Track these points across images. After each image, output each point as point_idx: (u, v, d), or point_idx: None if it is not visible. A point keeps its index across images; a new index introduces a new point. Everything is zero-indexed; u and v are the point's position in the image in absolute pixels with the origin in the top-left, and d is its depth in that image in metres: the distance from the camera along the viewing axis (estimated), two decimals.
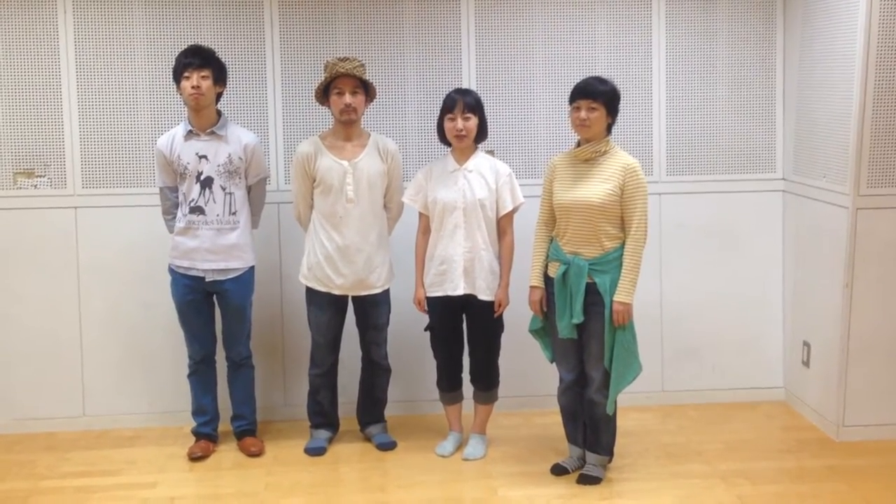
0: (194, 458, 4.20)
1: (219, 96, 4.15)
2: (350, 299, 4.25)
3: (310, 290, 4.23)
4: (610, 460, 4.04)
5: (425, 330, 4.22)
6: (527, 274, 4.01)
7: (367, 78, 4.09)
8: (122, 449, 4.37)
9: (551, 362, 4.06)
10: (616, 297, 3.76)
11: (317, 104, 4.21)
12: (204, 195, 4.10)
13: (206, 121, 4.11)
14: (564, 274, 3.83)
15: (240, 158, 4.14)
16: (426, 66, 4.60)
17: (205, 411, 4.31)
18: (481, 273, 4.06)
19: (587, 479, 3.95)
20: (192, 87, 4.00)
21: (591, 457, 3.99)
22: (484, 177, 4.07)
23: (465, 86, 4.53)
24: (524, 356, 4.55)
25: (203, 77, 4.01)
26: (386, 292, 4.27)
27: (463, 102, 4.02)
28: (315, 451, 4.27)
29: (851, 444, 4.31)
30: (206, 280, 4.15)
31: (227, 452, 4.31)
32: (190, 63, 4.01)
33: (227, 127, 4.15)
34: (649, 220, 4.59)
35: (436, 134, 4.18)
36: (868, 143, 4.14)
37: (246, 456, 4.25)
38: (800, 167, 4.66)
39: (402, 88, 4.60)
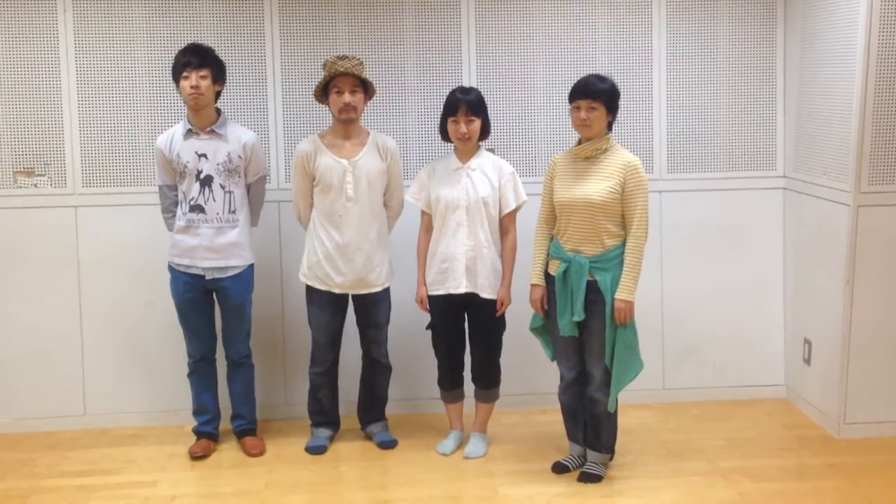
0: (195, 457, 4.20)
1: (218, 94, 4.15)
2: (350, 298, 4.25)
3: (310, 289, 4.23)
4: (611, 458, 4.03)
5: (427, 328, 4.22)
6: (528, 272, 4.01)
7: (366, 76, 4.08)
8: (123, 448, 4.37)
9: (552, 360, 4.06)
10: (617, 295, 3.76)
11: (316, 103, 4.21)
12: (204, 194, 4.10)
13: (205, 119, 4.11)
14: (565, 272, 3.83)
15: (239, 157, 4.14)
16: (426, 64, 4.60)
17: (205, 410, 4.31)
18: (483, 271, 4.06)
19: (588, 478, 3.94)
20: (192, 88, 3.99)
21: (591, 455, 3.99)
22: (487, 175, 4.07)
23: (465, 84, 4.53)
24: (525, 354, 4.55)
25: (202, 77, 4.00)
26: (386, 290, 4.27)
27: (466, 106, 4.01)
28: (316, 450, 4.27)
29: (852, 442, 4.30)
30: (206, 278, 4.15)
31: (228, 451, 4.31)
32: (188, 62, 4.00)
33: (226, 125, 4.15)
34: (650, 218, 4.64)
35: (436, 132, 4.17)
36: (869, 140, 4.14)
37: (246, 455, 4.25)
38: (801, 165, 4.65)
39: (402, 87, 4.60)
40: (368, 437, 4.39)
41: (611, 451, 4.01)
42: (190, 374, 4.30)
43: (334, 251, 4.13)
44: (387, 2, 4.56)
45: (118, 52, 4.47)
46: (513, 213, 4.11)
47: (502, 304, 4.11)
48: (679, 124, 4.74)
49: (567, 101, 3.87)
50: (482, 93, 4.16)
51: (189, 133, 4.11)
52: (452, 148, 4.14)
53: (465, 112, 4.01)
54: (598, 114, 3.78)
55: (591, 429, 3.98)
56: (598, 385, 3.87)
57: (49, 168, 4.50)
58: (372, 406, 4.40)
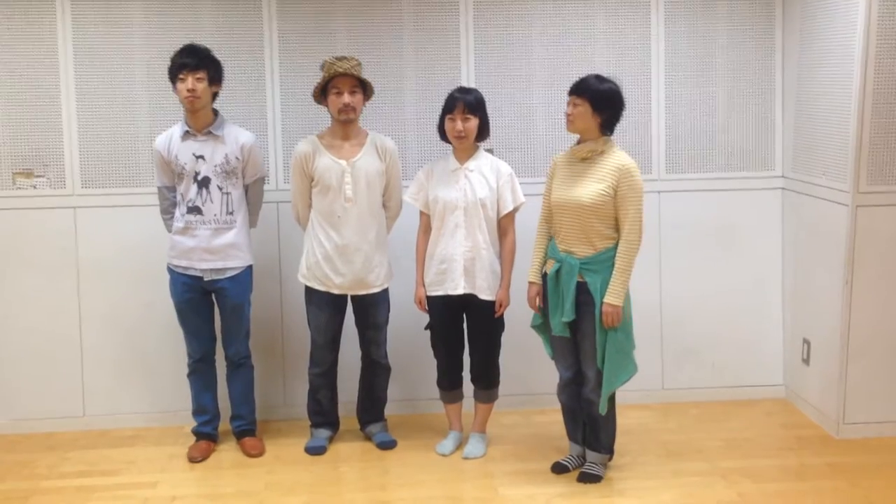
0: (194, 461, 4.20)
1: (215, 95, 4.15)
2: (349, 298, 4.25)
3: (309, 290, 4.23)
4: (610, 458, 4.04)
5: (425, 329, 4.22)
6: (527, 272, 4.01)
7: (365, 77, 4.08)
8: (123, 449, 4.37)
9: (552, 359, 4.06)
10: (605, 299, 3.74)
11: (315, 104, 4.21)
12: (201, 195, 4.10)
13: (202, 121, 4.10)
14: (557, 272, 3.83)
15: (237, 158, 4.13)
16: (425, 65, 4.60)
17: (205, 411, 4.31)
18: (482, 272, 4.06)
19: (587, 478, 3.95)
20: (188, 91, 3.99)
21: (591, 455, 3.99)
22: (485, 176, 4.07)
23: (464, 85, 4.53)
24: (524, 355, 4.55)
25: (198, 79, 4.00)
26: (385, 291, 4.27)
27: (463, 103, 4.01)
28: (315, 451, 4.27)
29: (851, 442, 4.31)
30: (204, 279, 4.15)
31: (228, 452, 4.31)
32: (184, 64, 4.00)
33: (224, 127, 4.15)
34: (648, 218, 4.63)
35: (435, 133, 4.18)
36: (867, 140, 4.14)
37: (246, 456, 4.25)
38: (799, 165, 4.66)
39: (400, 88, 4.60)
40: (368, 438, 4.39)
41: (610, 451, 4.01)
42: (189, 375, 4.30)
43: (333, 252, 4.13)
44: (385, 3, 4.56)
45: (117, 53, 4.47)
46: (511, 215, 4.11)
47: (501, 306, 4.11)
48: (677, 124, 4.74)
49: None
50: (482, 94, 4.15)
51: (187, 134, 4.11)
52: (451, 149, 4.14)
53: (461, 110, 4.01)
54: (582, 111, 3.76)
55: (589, 429, 3.98)
56: (593, 386, 3.87)
57: (48, 169, 4.50)
58: (371, 406, 4.40)
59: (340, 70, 4.00)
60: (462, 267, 4.06)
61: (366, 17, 4.56)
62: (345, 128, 4.13)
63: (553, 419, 4.37)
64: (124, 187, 4.52)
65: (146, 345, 4.58)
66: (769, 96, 4.77)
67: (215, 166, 4.10)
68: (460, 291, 4.07)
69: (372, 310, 4.25)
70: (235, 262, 4.17)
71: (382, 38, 4.57)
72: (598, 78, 3.82)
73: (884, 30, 4.04)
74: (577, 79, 3.83)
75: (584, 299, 3.80)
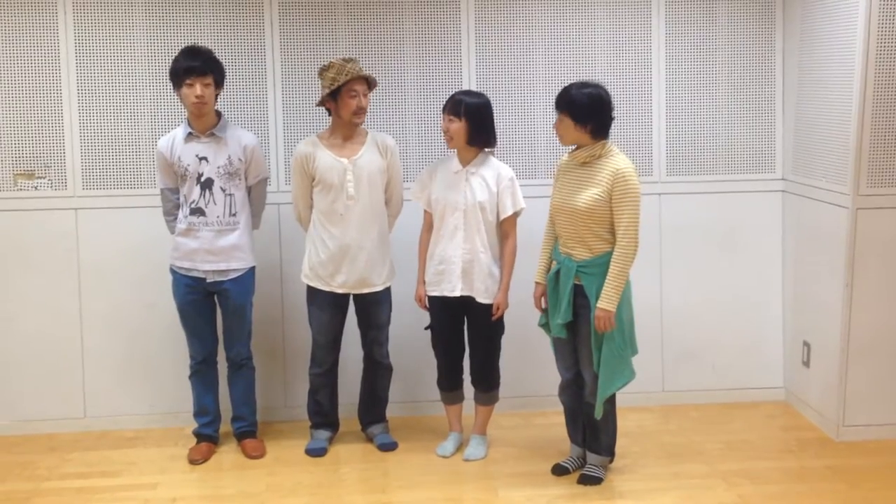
0: (195, 463, 4.20)
1: (216, 96, 4.15)
2: (351, 298, 4.25)
3: (310, 289, 4.24)
4: (611, 461, 4.04)
5: (426, 329, 4.22)
6: (530, 275, 4.02)
7: (373, 76, 4.11)
8: (123, 450, 4.38)
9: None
10: (598, 304, 3.73)
11: (316, 105, 4.21)
12: (204, 197, 4.11)
13: (206, 123, 4.11)
14: (557, 273, 3.84)
15: (239, 160, 4.14)
16: (426, 67, 4.61)
17: (206, 412, 4.31)
18: (480, 276, 4.06)
19: (588, 480, 3.95)
20: (196, 97, 3.98)
21: (591, 457, 3.99)
22: (485, 180, 4.07)
23: (464, 86, 4.54)
24: (525, 357, 4.55)
25: (206, 85, 4.00)
26: (387, 290, 4.27)
27: (451, 104, 4.02)
28: (316, 452, 4.27)
29: (851, 444, 4.31)
30: (207, 281, 4.15)
31: (228, 453, 4.31)
32: (192, 69, 3.97)
33: (226, 128, 4.15)
34: (649, 220, 4.65)
35: (436, 134, 4.21)
36: (868, 142, 4.15)
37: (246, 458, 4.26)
38: (799, 167, 4.66)
39: (402, 89, 4.61)
40: (369, 439, 4.40)
41: (610, 453, 4.01)
42: (191, 376, 4.31)
43: (336, 251, 4.14)
44: (386, 3, 4.57)
45: (118, 53, 4.47)
46: (513, 218, 4.10)
47: (498, 309, 4.10)
48: (678, 127, 4.75)
49: None
50: (483, 100, 4.07)
51: (190, 136, 4.11)
52: (455, 150, 4.15)
53: (448, 111, 4.02)
54: (565, 124, 3.77)
55: (590, 431, 3.98)
56: (591, 389, 3.87)
57: (49, 170, 4.51)
58: (373, 407, 4.40)
59: (357, 73, 4.01)
60: (460, 269, 4.06)
61: (367, 17, 4.56)
62: (347, 128, 4.13)
63: (553, 421, 4.37)
64: (125, 188, 4.53)
65: (147, 346, 4.59)
66: (769, 99, 4.77)
67: (218, 168, 4.10)
68: (457, 294, 4.07)
69: (374, 309, 4.25)
70: (238, 264, 4.18)
71: (384, 39, 4.58)
72: (580, 85, 3.78)
73: (884, 32, 4.05)
74: (561, 89, 3.81)
75: (581, 302, 3.80)
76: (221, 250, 4.13)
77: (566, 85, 3.83)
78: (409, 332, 4.46)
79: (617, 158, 3.78)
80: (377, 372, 4.35)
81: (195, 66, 3.98)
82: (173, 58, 4.06)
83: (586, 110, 3.73)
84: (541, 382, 4.51)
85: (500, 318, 4.14)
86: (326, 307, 4.22)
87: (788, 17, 4.69)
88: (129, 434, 4.54)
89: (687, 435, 4.47)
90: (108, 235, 4.54)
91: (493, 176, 4.08)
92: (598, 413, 3.84)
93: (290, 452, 4.30)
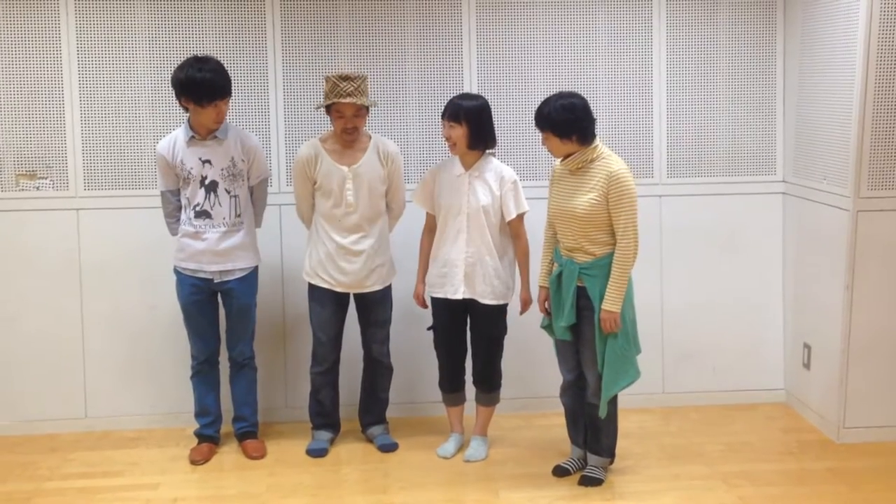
0: (196, 464, 4.21)
1: None
2: (352, 297, 4.26)
3: (312, 287, 4.24)
4: (611, 462, 4.04)
5: (428, 329, 4.23)
6: (533, 277, 4.04)
7: (368, 101, 4.06)
8: (125, 450, 4.38)
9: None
10: (602, 306, 3.74)
11: (317, 108, 4.21)
12: (209, 199, 4.11)
13: (208, 127, 4.11)
14: (559, 276, 3.85)
15: (242, 161, 4.15)
16: (428, 70, 4.61)
17: (207, 413, 4.32)
18: (484, 278, 4.07)
19: (589, 481, 3.95)
20: (218, 115, 4.01)
21: (592, 458, 4.00)
22: (488, 183, 4.07)
23: (466, 90, 4.54)
24: (526, 358, 4.56)
25: (226, 103, 4.03)
26: (387, 289, 4.28)
27: (450, 111, 4.02)
28: (317, 453, 4.28)
29: (852, 446, 4.31)
30: (214, 281, 4.16)
31: (229, 454, 4.31)
32: (216, 89, 3.94)
33: (228, 130, 4.15)
34: (650, 222, 4.66)
35: (437, 138, 4.21)
36: (868, 145, 4.15)
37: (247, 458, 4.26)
38: (800, 169, 4.67)
39: (403, 93, 4.61)
40: (369, 440, 4.40)
41: (611, 454, 4.02)
42: (193, 377, 4.31)
43: (335, 252, 4.15)
44: (388, 9, 4.58)
45: (120, 55, 4.48)
46: (520, 218, 4.11)
47: (525, 305, 4.14)
48: (679, 128, 4.75)
49: None
50: (480, 102, 4.08)
51: (192, 140, 4.11)
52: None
53: (448, 117, 4.02)
54: (551, 142, 3.78)
55: (590, 433, 3.99)
56: (594, 391, 3.87)
57: (51, 171, 4.51)
58: (373, 407, 4.41)
59: (343, 97, 3.98)
60: (462, 272, 4.06)
61: (369, 21, 4.57)
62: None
63: (554, 422, 4.37)
64: (127, 189, 4.53)
65: (148, 347, 4.59)
66: (770, 101, 4.78)
67: (222, 170, 4.11)
68: (459, 296, 4.08)
69: (374, 307, 4.26)
70: (244, 263, 4.18)
71: (386, 46, 4.58)
72: (555, 98, 3.78)
73: (885, 35, 4.05)
74: (536, 110, 3.80)
75: (584, 304, 3.81)
76: (227, 251, 4.13)
77: (539, 105, 3.82)
78: (409, 333, 4.47)
79: (610, 160, 3.78)
80: (377, 371, 4.36)
81: (219, 84, 3.95)
82: (179, 65, 4.01)
83: (567, 124, 3.74)
84: (542, 384, 4.51)
85: (503, 320, 4.15)
86: (327, 304, 4.22)
87: (789, 19, 4.70)
88: (130, 434, 4.54)
89: (687, 436, 4.47)
90: (110, 236, 4.54)
91: (495, 179, 4.08)
92: (603, 412, 3.85)
93: (290, 453, 4.30)
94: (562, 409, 4.10)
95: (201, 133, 4.10)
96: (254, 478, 4.08)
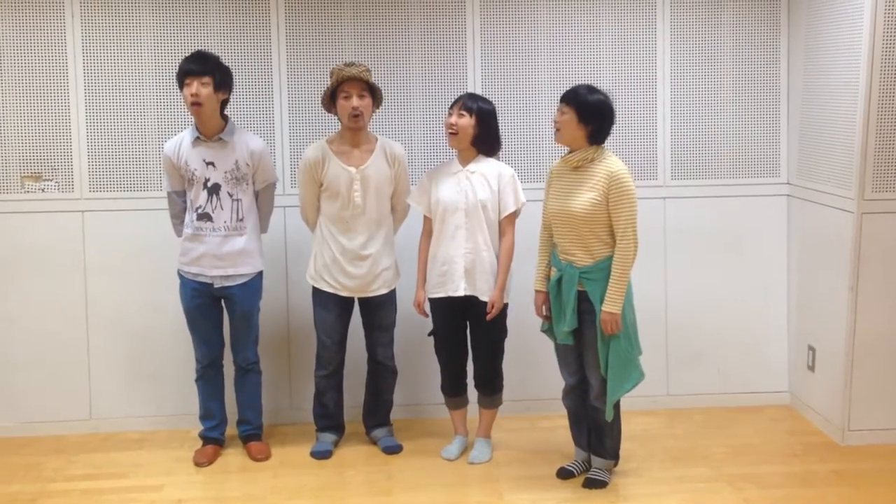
0: (200, 466, 4.21)
1: (225, 103, 4.15)
2: (356, 300, 4.26)
3: (316, 291, 4.25)
4: (615, 464, 4.04)
5: (429, 335, 4.23)
6: (531, 277, 4.02)
7: (374, 82, 4.10)
8: (129, 452, 4.39)
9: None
10: (603, 307, 3.74)
11: (323, 110, 4.22)
12: (211, 202, 4.11)
13: (212, 127, 4.11)
14: (559, 281, 3.84)
15: (247, 164, 4.14)
16: (432, 71, 4.62)
17: (212, 416, 4.32)
18: (483, 274, 4.07)
19: (593, 483, 3.95)
20: (192, 95, 3.98)
21: (596, 461, 3.99)
22: (486, 178, 4.08)
23: (470, 88, 4.55)
24: (529, 360, 4.56)
25: (203, 84, 3.98)
26: (392, 293, 4.28)
27: (463, 99, 4.04)
28: (321, 455, 4.28)
29: (857, 449, 4.31)
30: (214, 286, 4.16)
31: (234, 456, 4.32)
32: (190, 70, 4.00)
33: (234, 133, 4.15)
34: (654, 224, 4.66)
35: (442, 139, 4.20)
36: (873, 147, 4.15)
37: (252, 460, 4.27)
38: (804, 171, 4.66)
39: (408, 94, 4.62)
40: (373, 442, 4.40)
41: (615, 456, 4.02)
42: (197, 380, 4.31)
43: (341, 255, 4.15)
44: (393, 8, 4.58)
45: (126, 56, 4.49)
46: (511, 217, 4.10)
47: (493, 307, 4.06)
48: (683, 131, 4.75)
49: None
50: (492, 107, 4.10)
51: (197, 140, 4.11)
52: (455, 154, 4.15)
53: (459, 106, 4.02)
54: (568, 119, 3.75)
55: (594, 435, 3.99)
56: (597, 394, 3.87)
57: (56, 173, 4.52)
58: (377, 410, 4.41)
59: (349, 74, 4.02)
60: (462, 268, 4.06)
61: (373, 22, 4.58)
62: (354, 134, 4.14)
63: (558, 424, 4.37)
64: (132, 191, 4.54)
65: (153, 348, 4.60)
66: (774, 103, 4.78)
67: (225, 172, 4.10)
68: (461, 293, 4.07)
69: (379, 311, 4.26)
70: (246, 269, 4.17)
71: (390, 44, 4.59)
72: (590, 88, 3.79)
73: (889, 36, 4.05)
74: (571, 87, 3.82)
75: (585, 308, 3.80)
76: (228, 255, 4.13)
77: (576, 84, 3.84)
78: (413, 336, 4.47)
79: (610, 161, 3.78)
80: (381, 374, 4.36)
81: (194, 67, 3.99)
82: (180, 62, 4.08)
83: (592, 110, 3.74)
84: (545, 385, 4.51)
85: (504, 321, 4.15)
86: (332, 307, 4.23)
87: (794, 21, 4.70)
88: (134, 436, 4.55)
89: (692, 439, 4.47)
90: (115, 238, 4.55)
91: (493, 174, 4.08)
92: (609, 416, 3.84)
93: (295, 455, 4.30)
94: (565, 411, 4.10)
95: (206, 134, 4.11)
96: (258, 480, 4.08)
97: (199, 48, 4.16)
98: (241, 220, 4.14)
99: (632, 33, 4.68)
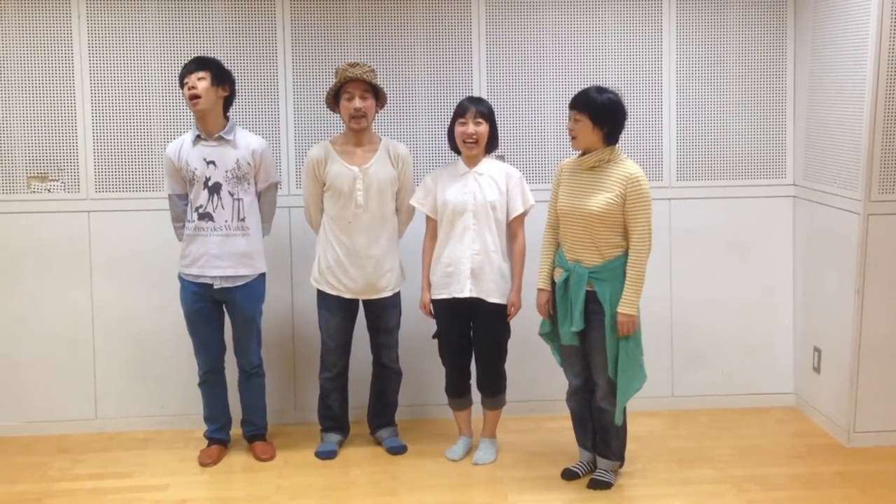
0: (205, 466, 4.21)
1: (228, 103, 4.15)
2: (361, 303, 4.26)
3: (320, 293, 4.25)
4: (621, 465, 4.04)
5: (433, 338, 4.23)
6: (534, 278, 4.02)
7: (377, 82, 4.10)
8: (135, 451, 4.40)
9: (561, 366, 4.06)
10: (619, 309, 3.73)
11: (327, 109, 4.23)
12: (212, 201, 4.11)
13: (213, 126, 4.11)
14: (566, 281, 3.84)
15: (248, 164, 4.13)
16: (437, 72, 4.62)
17: (216, 418, 4.32)
18: (491, 276, 4.07)
19: (598, 485, 3.95)
20: (189, 89, 3.99)
21: (601, 462, 3.99)
22: (495, 179, 4.08)
23: (475, 93, 4.55)
24: (533, 361, 4.56)
25: (200, 78, 3.99)
26: (396, 295, 4.28)
27: (476, 108, 4.04)
28: (325, 455, 4.28)
29: (862, 450, 4.30)
30: (215, 287, 4.14)
31: (239, 456, 4.32)
32: (188, 69, 4.02)
33: (234, 132, 4.14)
34: (660, 225, 4.65)
35: (446, 141, 4.19)
36: (879, 148, 4.14)
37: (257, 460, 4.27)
38: (810, 173, 4.65)
39: (412, 96, 4.62)
40: (378, 443, 4.40)
41: (620, 458, 4.01)
42: (200, 385, 4.30)
43: (345, 257, 4.15)
44: (398, 10, 4.59)
45: (131, 58, 4.50)
46: (521, 218, 4.11)
47: (513, 308, 4.10)
48: (689, 132, 4.74)
49: None
50: (491, 101, 4.18)
51: (197, 140, 4.11)
52: (459, 156, 4.15)
53: (474, 114, 4.03)
54: (583, 125, 3.76)
55: (600, 436, 3.98)
56: (604, 395, 3.87)
57: (62, 173, 4.53)
58: (382, 411, 4.41)
59: (352, 75, 4.02)
60: (469, 270, 4.06)
61: (378, 23, 4.58)
62: (357, 134, 4.14)
63: (563, 425, 4.37)
64: (138, 191, 4.55)
65: (159, 348, 4.61)
66: (780, 104, 4.77)
67: (226, 172, 4.10)
68: (466, 295, 4.07)
69: (383, 314, 4.26)
70: (247, 270, 4.16)
71: (394, 45, 4.59)
72: (598, 90, 3.80)
73: None
74: (577, 93, 3.83)
75: (594, 308, 3.80)
76: (229, 256, 4.12)
77: (583, 88, 3.83)
78: (418, 337, 4.47)
79: (627, 163, 3.79)
80: (386, 376, 4.36)
81: (190, 66, 4.02)
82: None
83: (606, 112, 3.75)
84: (550, 386, 4.51)
85: (507, 322, 4.14)
86: (336, 311, 4.23)
87: (800, 22, 4.69)
88: (140, 435, 4.56)
89: (697, 440, 4.46)
90: (121, 238, 4.56)
91: (501, 175, 4.09)
92: (619, 419, 3.84)
93: (299, 455, 4.31)
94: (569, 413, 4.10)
95: (207, 133, 4.10)
96: (263, 479, 4.09)
97: (205, 50, 4.17)
98: (243, 219, 4.13)
99: (638, 34, 4.67)
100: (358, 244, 4.14)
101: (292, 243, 4.62)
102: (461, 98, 4.17)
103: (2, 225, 4.52)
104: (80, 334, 4.58)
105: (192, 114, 4.15)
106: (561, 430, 4.45)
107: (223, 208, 4.10)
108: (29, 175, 4.53)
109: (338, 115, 4.20)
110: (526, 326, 4.25)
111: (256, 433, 4.35)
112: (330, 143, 4.21)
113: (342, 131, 4.23)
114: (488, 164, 4.11)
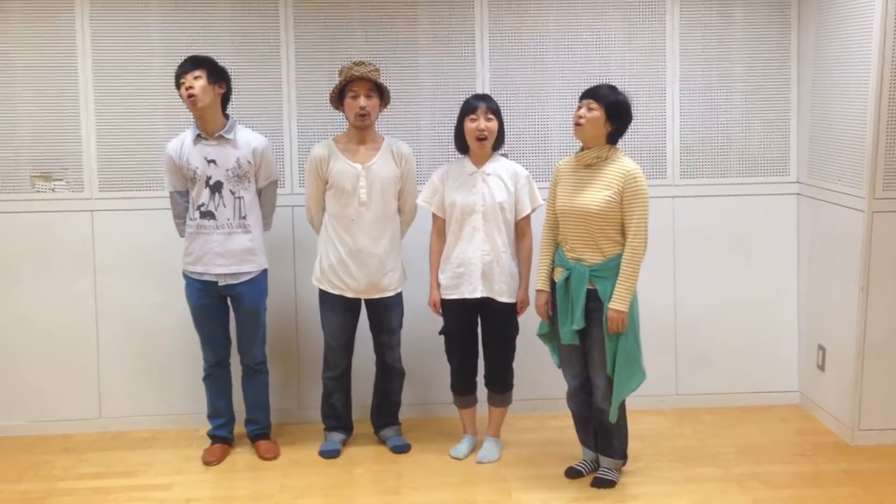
0: (209, 465, 4.22)
1: (225, 101, 4.16)
2: (363, 302, 4.26)
3: (323, 293, 4.25)
4: (624, 463, 4.03)
5: (440, 334, 4.23)
6: (535, 276, 4.02)
7: (382, 81, 4.10)
8: (138, 450, 4.40)
9: (559, 367, 4.05)
10: (610, 305, 3.73)
11: (331, 109, 4.23)
12: (213, 200, 4.11)
13: (213, 125, 4.11)
14: (566, 280, 3.83)
15: (248, 162, 4.14)
16: (440, 72, 4.62)
17: (220, 415, 4.33)
18: (501, 276, 4.07)
19: (601, 483, 3.95)
20: (186, 89, 4.00)
21: (604, 460, 3.99)
22: (503, 180, 4.08)
23: (479, 90, 4.54)
24: (538, 359, 4.54)
25: (196, 77, 4.00)
26: (399, 295, 4.28)
27: (486, 104, 4.04)
28: (329, 454, 4.28)
29: (867, 448, 4.29)
30: (219, 284, 4.16)
31: (243, 455, 4.33)
32: (182, 69, 4.03)
33: (235, 130, 4.14)
34: (663, 223, 4.65)
35: (450, 140, 4.19)
36: (883, 145, 4.13)
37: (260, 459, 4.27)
38: (814, 170, 4.65)
39: (416, 95, 4.62)
40: (382, 441, 4.40)
41: (624, 456, 4.01)
42: (205, 379, 4.32)
43: (347, 256, 4.15)
44: (402, 9, 4.58)
45: (135, 59, 4.50)
46: (528, 217, 4.12)
47: (523, 305, 4.11)
48: (692, 129, 4.74)
49: None
50: (495, 100, 4.17)
51: (198, 139, 4.11)
52: (465, 155, 4.15)
53: (484, 110, 4.03)
54: (595, 116, 3.75)
55: (602, 436, 3.98)
56: (603, 395, 3.86)
57: (66, 173, 4.54)
58: (385, 410, 4.41)
59: (357, 74, 4.02)
60: (480, 271, 4.06)
61: (382, 22, 4.58)
62: (361, 132, 4.15)
63: (567, 424, 4.36)
64: (142, 191, 4.56)
65: (162, 347, 4.61)
66: (784, 101, 4.76)
67: (227, 170, 4.11)
68: (478, 295, 4.07)
69: (385, 314, 4.26)
70: (250, 267, 4.18)
71: (398, 44, 4.59)
72: (613, 88, 3.82)
73: None
74: (592, 85, 3.84)
75: (594, 306, 3.79)
76: (232, 253, 4.13)
77: (599, 83, 3.86)
78: (421, 336, 4.47)
79: (624, 160, 3.80)
80: (389, 376, 4.36)
81: (185, 66, 4.03)
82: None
83: (620, 110, 3.77)
84: (554, 385, 4.49)
85: (516, 319, 4.15)
86: (338, 310, 4.23)
87: (804, 19, 4.68)
88: (144, 435, 4.56)
89: (701, 438, 4.46)
90: (124, 237, 4.56)
91: (509, 175, 4.09)
92: (614, 417, 3.83)
93: (303, 454, 4.31)
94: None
95: (207, 132, 4.11)
96: (267, 478, 4.09)
97: (209, 50, 4.18)
98: (244, 217, 4.14)
99: (641, 32, 4.67)
100: (361, 243, 4.14)
101: (295, 242, 4.62)
102: (464, 97, 4.17)
103: (6, 224, 4.52)
104: (84, 333, 4.59)
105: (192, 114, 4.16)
106: (564, 428, 4.44)
107: (225, 206, 4.11)
108: (33, 174, 4.53)
109: (341, 114, 4.20)
110: (531, 325, 4.24)
111: (261, 432, 4.35)
112: (333, 141, 4.21)
113: (345, 130, 4.23)
114: (495, 163, 4.11)
